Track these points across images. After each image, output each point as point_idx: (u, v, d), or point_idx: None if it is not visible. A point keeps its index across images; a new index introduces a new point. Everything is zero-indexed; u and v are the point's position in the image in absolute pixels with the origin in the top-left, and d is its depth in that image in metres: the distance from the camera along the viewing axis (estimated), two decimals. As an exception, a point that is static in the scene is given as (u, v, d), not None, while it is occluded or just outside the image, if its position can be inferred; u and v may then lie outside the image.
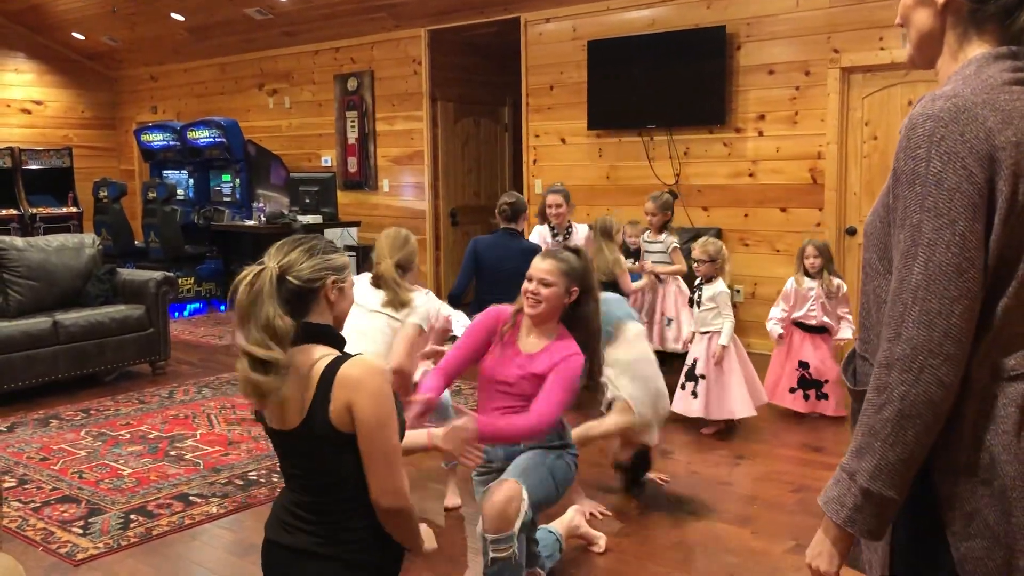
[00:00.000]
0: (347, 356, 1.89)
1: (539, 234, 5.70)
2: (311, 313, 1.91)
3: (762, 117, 6.62)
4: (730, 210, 6.84)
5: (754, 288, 6.73)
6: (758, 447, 4.56)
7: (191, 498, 3.90)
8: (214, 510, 3.77)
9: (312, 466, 1.89)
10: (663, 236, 5.73)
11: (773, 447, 4.55)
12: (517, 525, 2.59)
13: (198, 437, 4.80)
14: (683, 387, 4.78)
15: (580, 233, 5.84)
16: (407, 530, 1.92)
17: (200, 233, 9.48)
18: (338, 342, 1.94)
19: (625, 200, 7.29)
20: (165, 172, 10.27)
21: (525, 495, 2.62)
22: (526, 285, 2.77)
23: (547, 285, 2.74)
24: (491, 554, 2.60)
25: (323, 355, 1.86)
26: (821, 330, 5.02)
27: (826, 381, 4.96)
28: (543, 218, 5.81)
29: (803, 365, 5.02)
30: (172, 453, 4.52)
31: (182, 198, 9.82)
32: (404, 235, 3.62)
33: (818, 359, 4.97)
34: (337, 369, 1.83)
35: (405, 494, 1.87)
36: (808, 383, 5.00)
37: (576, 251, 2.87)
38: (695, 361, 4.78)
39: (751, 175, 6.72)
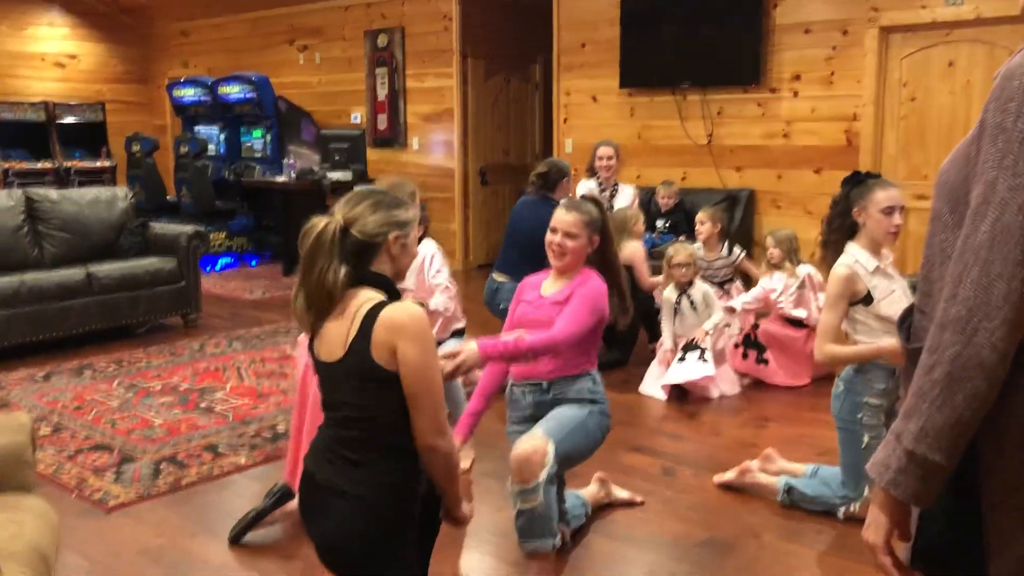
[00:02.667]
0: (391, 301, 1.95)
1: (586, 189, 5.61)
2: (372, 264, 2.00)
3: (797, 77, 6.50)
4: (763, 171, 6.75)
5: (785, 251, 6.64)
6: (785, 411, 4.54)
7: (220, 449, 3.97)
8: (243, 461, 3.83)
9: (349, 399, 1.95)
10: (723, 249, 5.39)
11: (800, 411, 4.53)
12: (542, 476, 2.60)
13: (228, 390, 4.86)
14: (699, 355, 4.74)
15: (625, 194, 5.78)
16: (448, 469, 1.97)
17: (231, 189, 9.52)
18: (391, 292, 2.00)
19: (656, 160, 7.22)
20: (196, 127, 10.32)
21: (551, 447, 2.63)
22: (550, 237, 2.79)
23: (572, 237, 2.78)
24: (518, 505, 2.63)
25: (370, 298, 1.94)
26: (798, 324, 4.93)
27: (765, 348, 4.91)
28: (592, 172, 5.75)
29: (755, 326, 4.98)
30: (202, 405, 4.59)
31: (213, 154, 9.87)
32: (411, 189, 3.48)
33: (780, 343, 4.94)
34: (379, 311, 1.90)
35: (448, 433, 1.95)
36: (751, 343, 4.94)
37: (593, 200, 2.91)
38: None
39: (785, 136, 6.62)
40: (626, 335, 5.25)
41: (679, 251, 4.83)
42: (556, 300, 2.78)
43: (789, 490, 3.36)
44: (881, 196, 3.05)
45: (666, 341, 4.85)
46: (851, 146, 6.30)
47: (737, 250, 5.46)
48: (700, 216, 5.50)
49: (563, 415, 2.77)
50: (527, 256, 3.90)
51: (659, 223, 6.47)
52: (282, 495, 3.19)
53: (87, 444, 4.03)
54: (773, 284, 4.95)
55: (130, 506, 3.40)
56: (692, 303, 4.82)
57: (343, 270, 1.93)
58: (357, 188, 2.15)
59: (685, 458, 3.89)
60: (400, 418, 1.91)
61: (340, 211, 1.98)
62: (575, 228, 2.77)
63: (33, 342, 5.51)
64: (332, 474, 1.97)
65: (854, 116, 6.25)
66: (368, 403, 1.94)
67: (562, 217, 2.80)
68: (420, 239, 3.52)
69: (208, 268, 9.03)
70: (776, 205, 6.70)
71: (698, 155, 7.04)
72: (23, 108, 10.52)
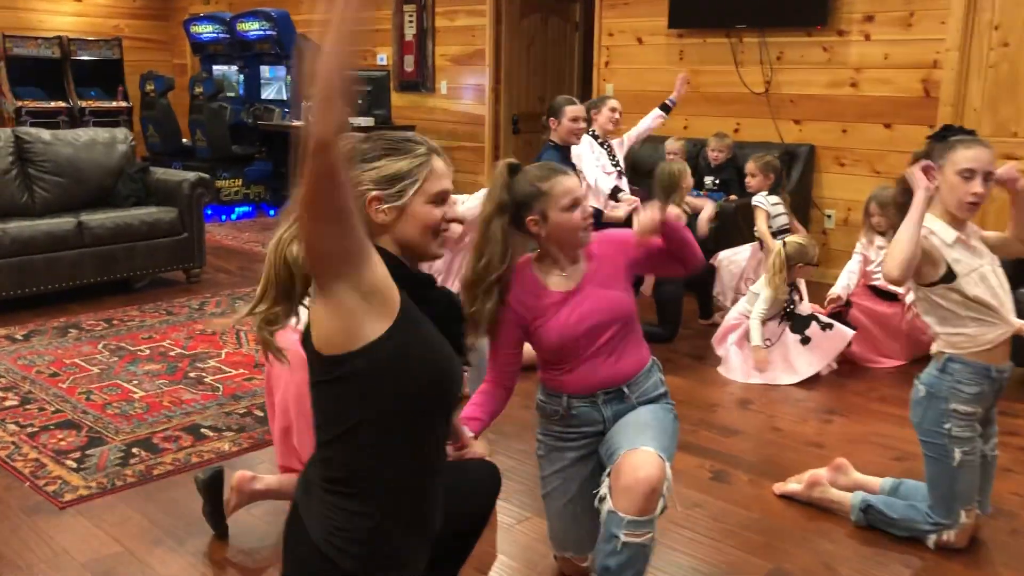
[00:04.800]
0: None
1: (587, 144, 4.95)
2: (374, 238, 1.56)
3: (870, 18, 5.77)
4: (826, 124, 6.06)
5: (847, 214, 5.99)
6: (852, 399, 3.95)
7: (203, 430, 3.47)
8: (226, 447, 3.33)
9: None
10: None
11: (868, 401, 3.93)
12: (660, 506, 2.05)
13: (222, 357, 4.36)
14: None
15: (623, 143, 5.26)
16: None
17: (249, 133, 8.98)
18: (403, 276, 1.56)
19: (707, 110, 6.55)
20: (215, 67, 9.75)
21: (669, 470, 2.07)
22: (583, 210, 2.19)
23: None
24: (623, 537, 2.03)
25: None
26: (891, 297, 4.33)
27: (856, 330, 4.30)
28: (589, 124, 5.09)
29: (848, 304, 4.38)
30: (191, 375, 4.09)
31: (232, 95, 9.33)
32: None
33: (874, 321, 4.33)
34: None
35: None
36: (841, 321, 4.31)
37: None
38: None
39: (853, 85, 5.91)
40: (673, 309, 4.68)
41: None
42: (601, 286, 2.23)
43: (866, 509, 2.79)
44: (961, 155, 2.43)
45: (755, 338, 4.21)
46: (929, 98, 5.58)
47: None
48: (749, 166, 5.00)
49: (657, 420, 2.20)
50: None
51: (707, 180, 5.84)
52: (212, 478, 2.68)
53: (55, 420, 3.54)
54: (871, 254, 4.35)
55: (89, 501, 2.90)
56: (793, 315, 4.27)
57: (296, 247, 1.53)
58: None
59: (740, 459, 3.32)
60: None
61: None
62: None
63: (17, 296, 5.04)
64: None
65: (934, 63, 5.53)
66: (322, 404, 1.60)
67: (573, 180, 2.23)
68: None
69: (224, 217, 8.55)
70: (840, 163, 6.02)
71: (754, 105, 6.35)
72: (36, 43, 10.02)
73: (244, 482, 2.69)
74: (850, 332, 4.20)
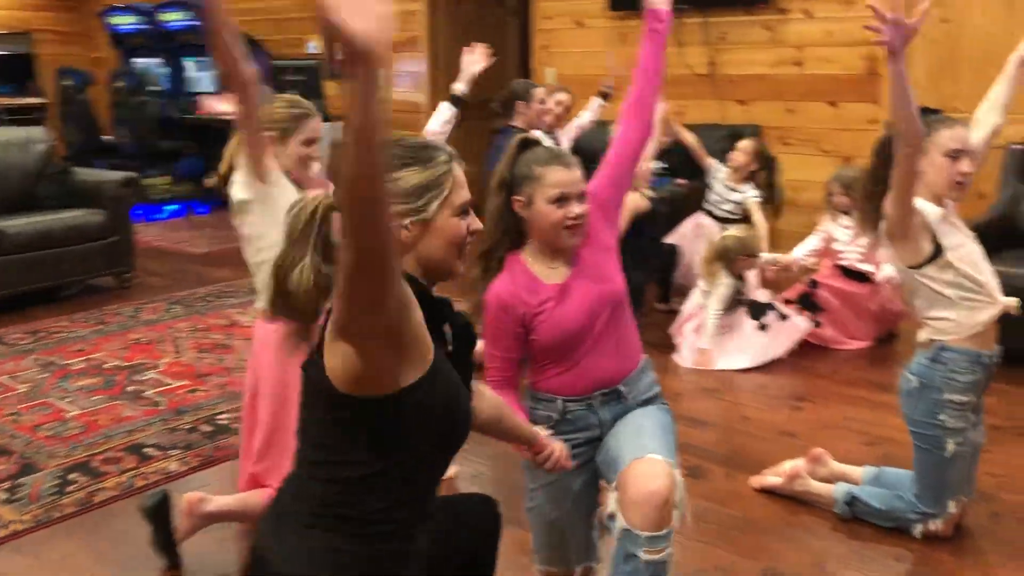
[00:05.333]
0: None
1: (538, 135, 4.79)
2: None
3: (812, -4, 5.74)
4: (771, 104, 6.01)
5: (794, 195, 5.94)
6: (818, 384, 3.89)
7: (146, 449, 3.24)
8: (173, 467, 3.11)
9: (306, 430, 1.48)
10: (748, 188, 4.92)
11: (835, 385, 3.88)
12: (676, 517, 1.92)
13: (162, 368, 4.11)
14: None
15: (572, 124, 5.05)
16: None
17: (176, 127, 8.61)
18: (426, 300, 1.39)
19: (650, 93, 6.44)
20: (137, 60, 9.33)
21: (679, 477, 1.94)
22: (567, 210, 2.01)
23: (585, 195, 2.06)
24: (643, 556, 1.88)
25: None
26: (860, 277, 4.30)
27: (822, 309, 4.29)
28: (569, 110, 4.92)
29: (813, 284, 4.34)
30: (130, 388, 3.85)
31: (157, 89, 8.94)
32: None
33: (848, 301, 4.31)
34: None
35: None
36: (808, 303, 4.31)
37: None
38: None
39: (797, 64, 5.87)
40: (636, 298, 4.57)
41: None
42: (597, 275, 2.09)
43: (851, 502, 2.71)
44: (946, 136, 2.37)
45: (705, 338, 4.15)
46: (873, 75, 5.57)
47: (753, 193, 4.87)
48: (743, 145, 4.94)
49: (657, 422, 2.06)
50: None
51: (654, 165, 5.74)
52: (158, 504, 2.49)
53: (-19, 446, 3.29)
54: (836, 234, 4.30)
55: (24, 536, 2.67)
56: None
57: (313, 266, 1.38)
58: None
59: (712, 452, 3.22)
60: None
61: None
62: (583, 186, 2.06)
63: (-67, 311, 4.71)
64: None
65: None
66: (323, 438, 1.39)
67: (573, 177, 2.03)
68: None
69: (153, 217, 8.18)
70: (786, 142, 5.98)
71: (698, 87, 6.27)
72: (-61, 38, 9.46)
73: (195, 505, 2.47)
74: (804, 325, 4.17)
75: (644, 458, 1.92)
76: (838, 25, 5.65)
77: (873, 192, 2.47)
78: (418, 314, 1.32)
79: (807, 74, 5.84)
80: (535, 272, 2.07)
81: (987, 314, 2.42)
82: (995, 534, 2.66)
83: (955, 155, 2.35)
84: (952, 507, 2.54)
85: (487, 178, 2.19)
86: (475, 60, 3.51)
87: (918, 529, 2.59)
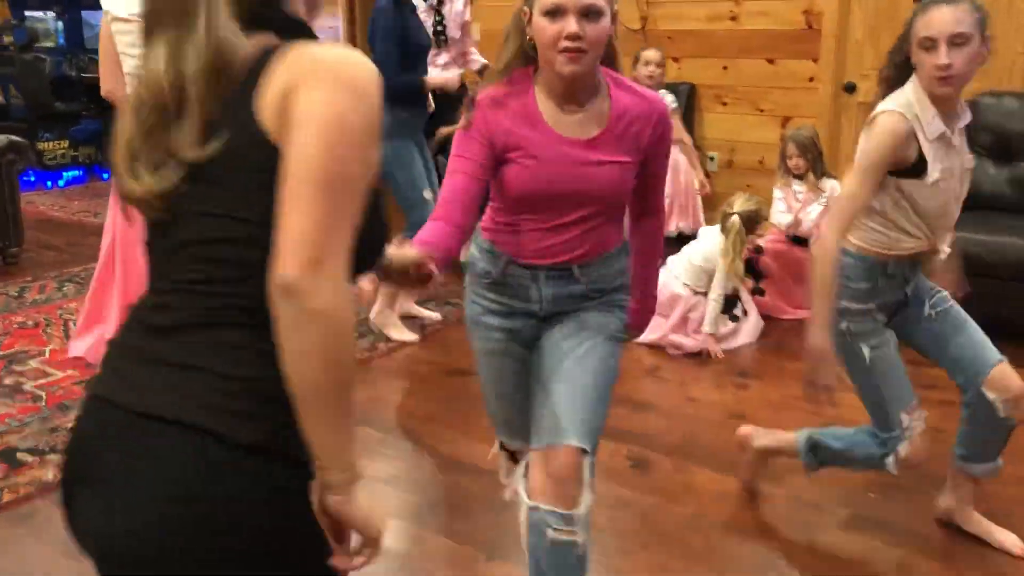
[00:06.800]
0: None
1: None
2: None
3: (748, -54, 5.48)
4: (706, 61, 5.76)
5: (731, 155, 5.74)
6: (763, 359, 3.68)
7: (19, 455, 2.84)
8: (50, 476, 2.73)
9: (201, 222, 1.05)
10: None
11: (780, 360, 3.67)
12: (583, 506, 1.71)
13: (47, 355, 3.69)
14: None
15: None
16: (324, 352, 0.96)
17: (73, 88, 8.01)
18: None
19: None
20: (28, 13, 8.63)
21: (588, 465, 1.73)
22: (552, 25, 1.67)
23: (598, 14, 1.69)
24: (551, 534, 1.69)
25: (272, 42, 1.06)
26: (806, 243, 4.05)
27: (764, 276, 4.08)
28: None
29: (758, 250, 4.07)
30: (8, 381, 3.42)
31: (51, 45, 8.28)
32: None
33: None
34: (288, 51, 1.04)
35: (335, 275, 0.97)
36: (749, 269, 4.04)
37: None
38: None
39: (733, 19, 5.62)
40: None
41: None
42: (612, 158, 1.76)
43: (814, 447, 2.44)
44: (920, 23, 2.02)
45: (708, 324, 3.80)
46: (811, 30, 5.34)
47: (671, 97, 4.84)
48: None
49: (596, 375, 1.79)
50: None
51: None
52: None
53: None
54: (790, 199, 4.08)
55: None
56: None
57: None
58: None
59: (659, 441, 2.97)
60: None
61: None
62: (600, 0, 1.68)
63: None
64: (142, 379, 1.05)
65: (815, -6, 5.30)
66: (237, 209, 1.02)
67: None
68: None
69: (49, 184, 7.60)
70: (722, 101, 5.75)
71: (630, 43, 5.95)
72: None
73: None
74: (759, 324, 3.95)
75: (558, 448, 1.72)
76: (775, -23, 5.41)
77: (887, 75, 2.14)
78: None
79: (743, 29, 5.59)
80: (540, 107, 1.76)
81: (915, 244, 2.17)
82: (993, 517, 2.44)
83: (928, 44, 2.00)
84: (907, 421, 2.26)
85: None
86: None
87: (890, 462, 2.27)
